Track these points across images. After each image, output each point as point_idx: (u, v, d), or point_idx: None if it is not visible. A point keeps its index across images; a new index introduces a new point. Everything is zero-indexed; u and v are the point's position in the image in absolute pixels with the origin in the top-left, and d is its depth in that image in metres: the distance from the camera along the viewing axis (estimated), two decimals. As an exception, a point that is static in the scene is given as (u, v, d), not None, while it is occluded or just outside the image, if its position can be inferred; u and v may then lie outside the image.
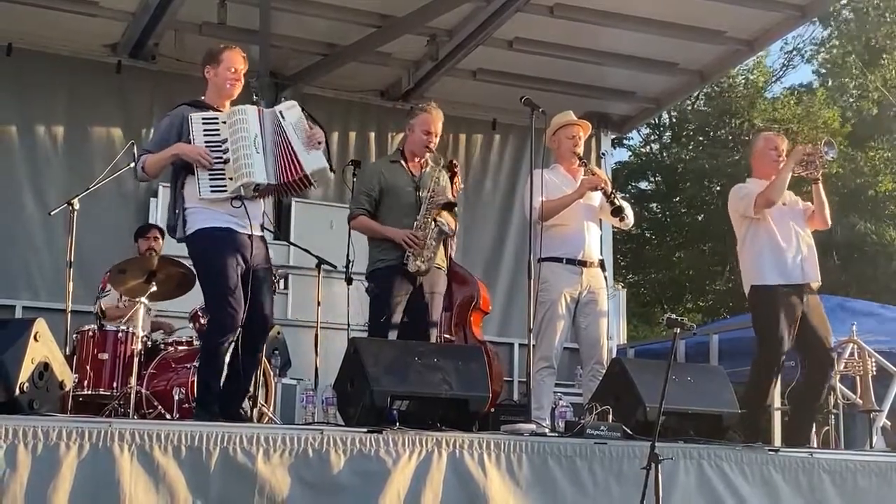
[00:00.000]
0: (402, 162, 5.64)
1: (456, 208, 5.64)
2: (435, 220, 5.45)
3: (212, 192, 4.73)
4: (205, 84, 5.03)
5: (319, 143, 4.90)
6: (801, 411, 5.98)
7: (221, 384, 4.81)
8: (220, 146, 4.77)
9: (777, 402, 6.31)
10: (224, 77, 4.93)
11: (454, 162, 6.28)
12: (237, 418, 4.75)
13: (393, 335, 5.36)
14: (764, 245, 5.81)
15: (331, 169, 5.00)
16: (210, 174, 4.75)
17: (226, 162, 4.75)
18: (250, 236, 4.83)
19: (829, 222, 6.02)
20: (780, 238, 5.81)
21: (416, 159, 5.64)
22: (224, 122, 4.81)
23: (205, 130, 4.78)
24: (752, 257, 5.86)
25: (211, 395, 4.77)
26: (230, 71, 4.92)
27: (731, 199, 6.05)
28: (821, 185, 5.93)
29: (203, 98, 5.00)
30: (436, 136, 5.59)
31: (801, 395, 5.93)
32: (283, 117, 4.89)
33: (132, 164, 6.00)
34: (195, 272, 5.06)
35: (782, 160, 5.92)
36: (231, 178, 4.74)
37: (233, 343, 4.80)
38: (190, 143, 4.77)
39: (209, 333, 4.93)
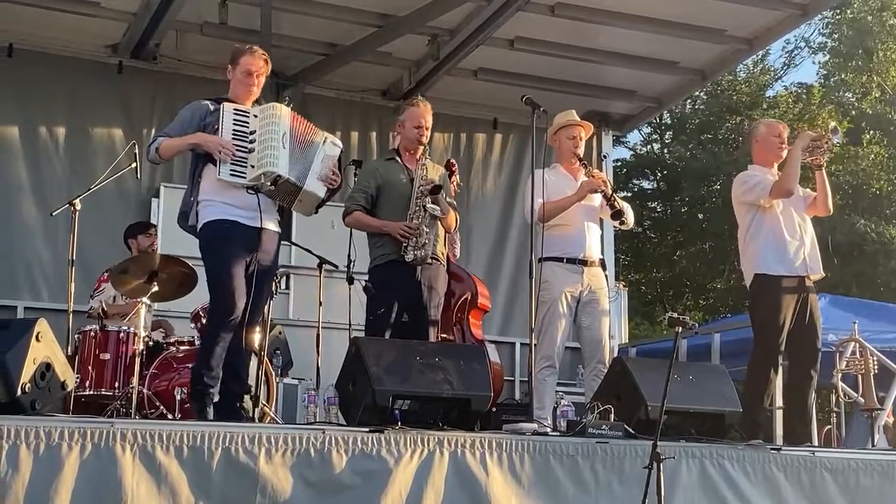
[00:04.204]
0: (398, 158, 5.71)
1: (443, 191, 5.65)
2: (424, 207, 5.48)
3: (231, 175, 4.79)
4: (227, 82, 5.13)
5: (332, 184, 5.04)
6: (791, 409, 5.96)
7: (218, 380, 4.82)
8: (247, 137, 4.85)
9: (779, 401, 6.30)
10: (237, 80, 5.04)
11: (451, 161, 6.35)
12: (233, 415, 4.75)
13: (389, 332, 5.37)
14: (769, 235, 5.77)
15: (316, 210, 5.13)
16: (232, 161, 4.81)
17: (250, 152, 4.83)
18: (260, 231, 4.86)
19: (831, 209, 6.00)
20: (786, 229, 5.78)
21: (410, 154, 5.68)
22: (255, 116, 4.91)
23: (235, 120, 4.87)
24: (757, 247, 5.80)
25: (204, 386, 4.78)
26: (243, 74, 5.02)
27: (737, 187, 5.97)
28: (824, 172, 5.91)
29: (227, 96, 5.06)
30: (426, 129, 5.63)
31: (790, 392, 5.92)
32: (323, 141, 5.03)
33: (133, 165, 6.09)
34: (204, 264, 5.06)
35: (785, 147, 5.91)
36: (253, 167, 4.81)
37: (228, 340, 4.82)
38: (216, 132, 4.85)
39: (208, 324, 5.00)
